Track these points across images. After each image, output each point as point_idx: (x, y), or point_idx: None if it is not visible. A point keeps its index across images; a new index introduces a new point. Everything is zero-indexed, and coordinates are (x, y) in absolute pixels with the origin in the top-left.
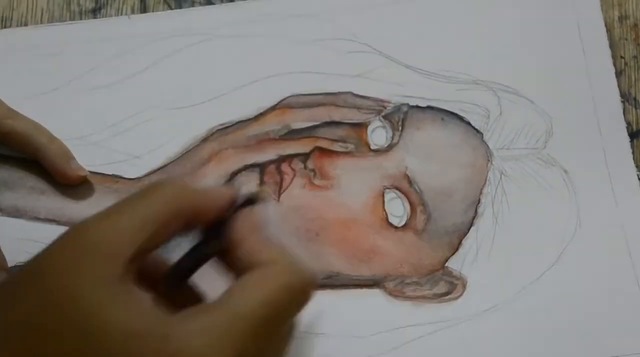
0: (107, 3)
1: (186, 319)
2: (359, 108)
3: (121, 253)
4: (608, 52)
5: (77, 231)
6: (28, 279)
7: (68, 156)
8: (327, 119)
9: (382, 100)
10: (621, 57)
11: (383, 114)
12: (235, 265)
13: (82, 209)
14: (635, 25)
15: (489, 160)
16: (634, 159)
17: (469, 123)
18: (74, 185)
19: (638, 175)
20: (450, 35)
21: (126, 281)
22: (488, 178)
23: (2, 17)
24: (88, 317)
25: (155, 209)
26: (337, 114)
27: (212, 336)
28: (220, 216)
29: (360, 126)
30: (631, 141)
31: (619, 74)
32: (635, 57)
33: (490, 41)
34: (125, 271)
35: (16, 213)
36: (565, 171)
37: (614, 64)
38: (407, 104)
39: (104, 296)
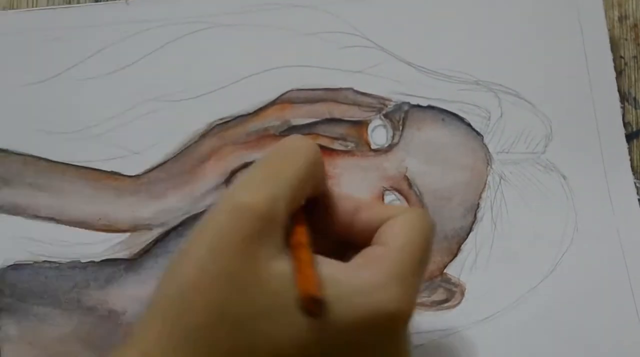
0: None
1: (368, 268)
2: (359, 105)
3: (282, 221)
4: (610, 57)
5: (238, 208)
6: (202, 266)
7: None
8: (328, 116)
9: (383, 98)
10: (621, 57)
11: (384, 112)
12: (357, 229)
13: (82, 206)
14: (635, 25)
15: (488, 163)
16: (634, 159)
17: (469, 124)
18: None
19: (635, 183)
20: (452, 34)
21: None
22: (487, 182)
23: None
24: (278, 295)
25: (297, 172)
26: (338, 111)
27: (399, 275)
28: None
29: (361, 124)
30: (631, 141)
31: (619, 74)
32: (635, 57)
33: (492, 42)
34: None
35: (15, 210)
36: (564, 177)
37: (614, 64)
38: (408, 103)
39: (283, 268)
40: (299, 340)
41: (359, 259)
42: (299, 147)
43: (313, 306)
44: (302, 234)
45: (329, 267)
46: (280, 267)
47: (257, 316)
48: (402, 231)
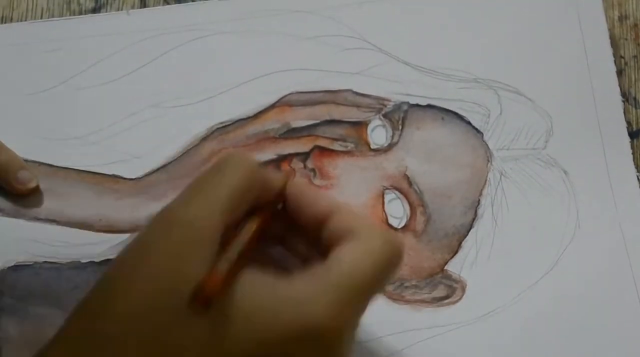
0: (107, 2)
1: (303, 281)
2: (359, 106)
3: (216, 232)
4: (610, 52)
5: (168, 220)
6: (130, 271)
7: (16, 167)
8: (327, 118)
9: (382, 99)
10: (621, 57)
11: (383, 112)
12: (323, 237)
13: (82, 209)
14: (635, 25)
15: (489, 160)
16: (634, 159)
17: (469, 123)
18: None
19: (638, 177)
20: (450, 33)
21: None
22: (488, 179)
23: (2, 16)
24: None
25: (233, 184)
26: (337, 112)
27: (329, 292)
28: (277, 197)
29: (360, 125)
30: (631, 141)
31: (619, 73)
32: (635, 57)
33: (490, 39)
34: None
35: (16, 213)
36: (565, 172)
37: (614, 64)
38: (408, 103)
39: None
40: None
41: (298, 275)
42: (231, 161)
43: (201, 297)
44: (235, 244)
45: (261, 281)
46: (193, 269)
47: (183, 331)
48: (350, 258)
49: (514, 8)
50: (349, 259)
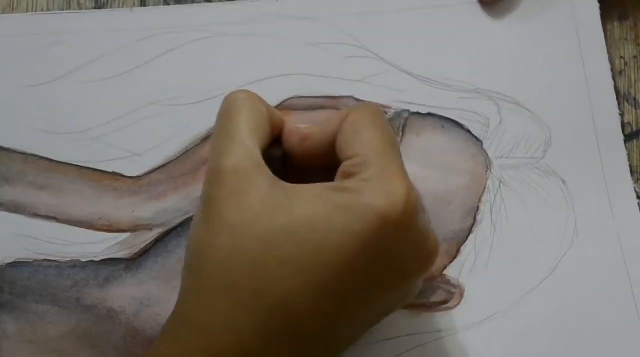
0: (107, 2)
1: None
2: None
3: (260, 164)
4: (608, 66)
5: (217, 175)
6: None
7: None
8: None
9: (383, 106)
10: (621, 57)
11: None
12: (316, 153)
13: (82, 206)
14: (635, 25)
15: (488, 168)
16: (634, 159)
17: (469, 131)
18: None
19: (635, 188)
20: (451, 44)
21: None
22: (487, 186)
23: None
24: (292, 216)
25: (245, 123)
26: None
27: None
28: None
29: None
30: (631, 141)
31: (619, 74)
32: (635, 57)
33: (491, 51)
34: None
35: (16, 209)
36: (563, 181)
37: (614, 64)
38: (408, 111)
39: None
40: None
41: (340, 176)
42: (235, 101)
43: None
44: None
45: (321, 185)
46: (276, 196)
47: (269, 243)
48: (357, 136)
49: (514, 23)
50: (358, 138)
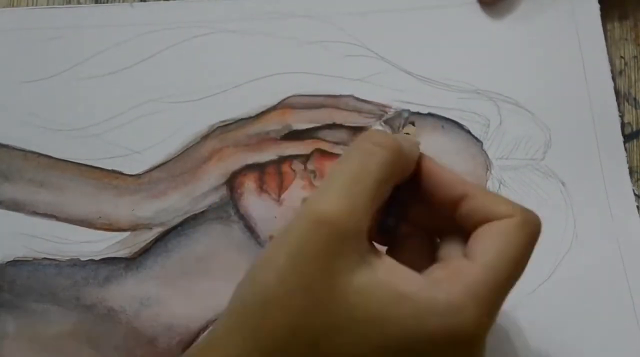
0: (107, 2)
1: (448, 285)
2: (360, 112)
3: (363, 230)
4: (608, 67)
5: (317, 220)
6: (282, 277)
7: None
8: (329, 121)
9: (383, 105)
10: (621, 57)
11: (384, 118)
12: (462, 217)
13: (82, 204)
14: (635, 25)
15: (488, 169)
16: (634, 158)
17: (468, 131)
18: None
19: (634, 190)
20: (451, 44)
21: (372, 252)
22: (487, 187)
23: None
24: (356, 309)
25: (377, 175)
26: (339, 117)
27: (478, 297)
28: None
29: (361, 130)
30: (630, 141)
31: (619, 74)
32: (635, 57)
33: (491, 52)
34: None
35: (15, 207)
36: (563, 183)
37: (614, 64)
38: (408, 110)
39: (364, 281)
40: (371, 351)
41: (440, 271)
42: (376, 147)
43: None
44: None
45: (406, 281)
46: (360, 279)
47: (333, 329)
48: (494, 245)
49: (514, 23)
50: (493, 248)
